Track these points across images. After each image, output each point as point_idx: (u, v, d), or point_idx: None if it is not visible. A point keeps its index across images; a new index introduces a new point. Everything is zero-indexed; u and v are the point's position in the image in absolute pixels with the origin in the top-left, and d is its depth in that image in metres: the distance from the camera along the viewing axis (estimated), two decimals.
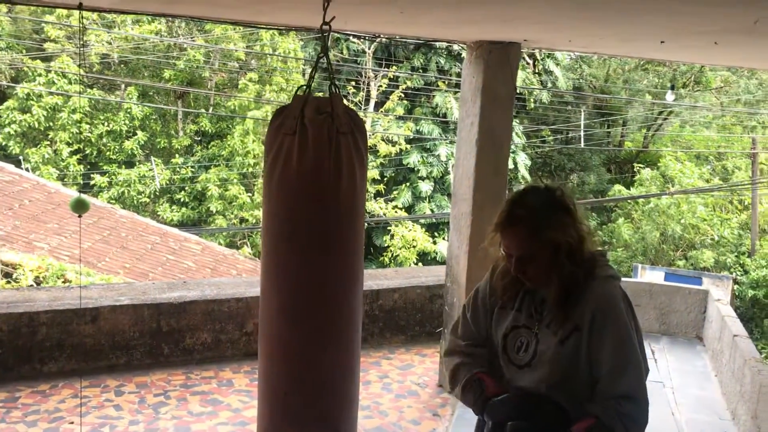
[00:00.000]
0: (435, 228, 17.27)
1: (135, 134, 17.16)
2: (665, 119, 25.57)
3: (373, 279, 6.15)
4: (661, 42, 3.79)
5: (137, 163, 17.36)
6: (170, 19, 16.14)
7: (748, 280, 17.07)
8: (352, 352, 2.26)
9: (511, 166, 16.94)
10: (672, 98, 19.20)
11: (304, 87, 2.23)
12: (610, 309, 1.91)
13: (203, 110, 18.30)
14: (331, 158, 2.05)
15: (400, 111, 16.97)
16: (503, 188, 4.80)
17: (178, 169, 17.34)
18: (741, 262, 17.89)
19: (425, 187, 17.16)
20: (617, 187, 20.44)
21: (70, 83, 16.59)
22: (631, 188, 19.70)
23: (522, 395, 1.95)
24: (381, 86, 17.17)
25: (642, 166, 21.69)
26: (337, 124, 2.09)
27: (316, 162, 2.04)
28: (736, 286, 16.75)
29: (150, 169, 17.07)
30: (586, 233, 1.97)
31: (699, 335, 6.52)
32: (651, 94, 24.88)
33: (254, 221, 16.33)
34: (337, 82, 2.26)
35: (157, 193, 17.26)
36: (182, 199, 17.17)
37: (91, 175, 16.77)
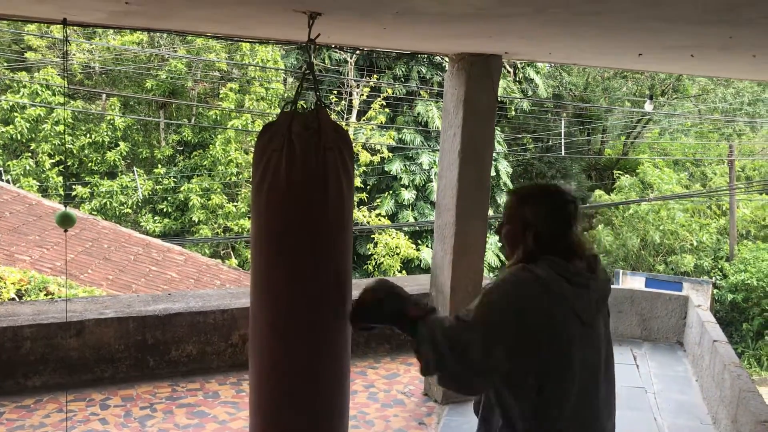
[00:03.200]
0: (418, 236, 17.34)
1: (117, 145, 17.09)
2: (644, 126, 25.88)
3: (357, 288, 6.14)
4: (639, 54, 3.88)
5: (119, 174, 17.27)
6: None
7: (727, 284, 17.30)
8: (342, 365, 2.29)
9: (492, 173, 17.05)
10: (650, 108, 19.45)
11: (290, 103, 2.26)
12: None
13: (185, 120, 18.26)
14: (318, 174, 2.09)
15: (382, 119, 17.05)
16: (486, 198, 4.87)
17: (160, 179, 17.28)
18: (720, 266, 18.14)
19: (408, 195, 17.24)
20: (598, 192, 20.65)
21: (54, 94, 16.51)
22: (611, 195, 19.92)
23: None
24: (363, 95, 17.24)
25: (621, 173, 21.93)
26: (324, 140, 2.13)
27: (304, 177, 2.08)
28: (715, 291, 16.97)
29: (132, 180, 16.99)
30: (562, 237, 2.09)
31: (680, 340, 6.61)
32: (630, 102, 25.18)
33: (239, 230, 16.30)
34: (321, 95, 2.30)
35: (140, 204, 17.18)
36: (165, 210, 17.10)
37: (73, 187, 16.65)
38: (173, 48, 17.95)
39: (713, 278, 17.45)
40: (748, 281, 16.95)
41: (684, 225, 18.34)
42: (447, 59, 4.81)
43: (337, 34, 3.51)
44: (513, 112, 21.09)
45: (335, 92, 17.49)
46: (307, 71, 2.32)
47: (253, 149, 2.24)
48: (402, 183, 17.37)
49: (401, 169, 17.35)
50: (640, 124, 25.76)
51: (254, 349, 2.28)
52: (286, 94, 18.01)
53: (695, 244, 18.31)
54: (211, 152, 16.96)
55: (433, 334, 2.02)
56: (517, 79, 20.72)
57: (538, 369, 1.96)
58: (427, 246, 16.79)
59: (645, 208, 18.44)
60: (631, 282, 15.87)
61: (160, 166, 17.54)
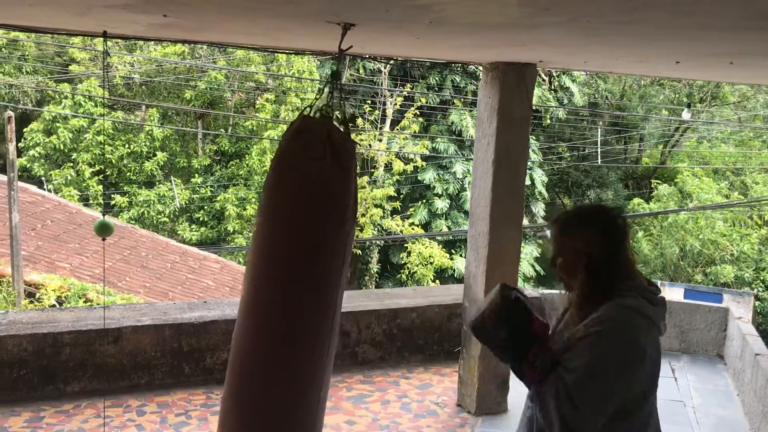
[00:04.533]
0: (452, 245, 17.27)
1: (155, 155, 17.39)
2: (682, 135, 25.45)
3: (391, 298, 6.18)
4: (676, 62, 3.82)
5: (157, 183, 17.56)
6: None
7: None
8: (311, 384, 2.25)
9: (528, 182, 16.97)
10: (688, 116, 19.13)
11: (317, 108, 2.25)
12: (603, 332, 2.00)
13: (222, 131, 18.50)
14: (351, 187, 2.09)
15: (416, 128, 17.06)
16: (520, 208, 4.83)
17: (197, 188, 17.52)
18: (762, 277, 17.68)
19: (441, 204, 17.20)
20: (636, 200, 20.33)
21: (96, 106, 16.89)
22: (649, 204, 19.59)
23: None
24: (397, 104, 17.28)
25: (659, 181, 21.56)
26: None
27: (345, 188, 2.08)
28: (757, 302, 16.55)
29: (169, 189, 17.26)
30: (618, 257, 2.08)
31: (720, 353, 6.47)
32: (667, 110, 24.80)
33: None
34: (352, 102, 2.30)
35: (177, 213, 17.43)
36: (201, 219, 17.33)
37: (112, 196, 16.98)
38: (213, 59, 18.23)
39: (755, 290, 17.02)
40: None
41: (725, 235, 17.94)
42: (481, 68, 4.80)
43: (370, 45, 3.53)
44: (548, 121, 20.94)
45: (369, 101, 17.56)
46: (334, 80, 2.33)
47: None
48: (435, 192, 17.34)
49: (435, 178, 17.32)
50: (678, 132, 25.34)
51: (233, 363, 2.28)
52: (316, 103, 18.12)
53: (736, 254, 17.88)
54: (247, 162, 17.15)
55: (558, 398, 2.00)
56: (553, 87, 20.57)
57: (640, 389, 2.04)
58: (460, 255, 16.72)
59: (684, 217, 18.09)
60: (670, 293, 15.57)
61: (197, 175, 17.79)
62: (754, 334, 5.82)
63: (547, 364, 2.01)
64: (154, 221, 16.98)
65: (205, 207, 17.46)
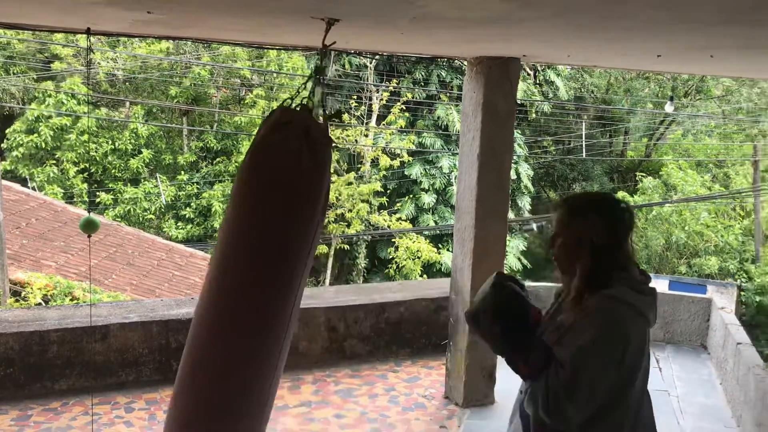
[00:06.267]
0: (439, 239, 17.33)
1: (140, 152, 17.30)
2: (667, 128, 25.64)
3: (379, 292, 6.21)
4: (658, 56, 3.86)
5: (142, 181, 17.49)
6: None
7: (753, 286, 17.07)
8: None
9: (513, 176, 17.04)
10: (671, 109, 19.28)
11: (299, 100, 2.25)
12: (588, 322, 2.01)
13: (208, 127, 18.44)
14: (324, 182, 2.12)
15: (402, 123, 17.09)
16: (506, 201, 4.87)
17: (183, 185, 17.46)
18: (745, 268, 17.89)
19: (428, 199, 17.24)
20: (621, 193, 20.48)
21: (79, 104, 16.77)
22: (634, 197, 19.75)
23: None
24: (383, 100, 17.29)
25: (644, 174, 21.73)
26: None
27: (312, 181, 2.10)
28: (741, 293, 16.75)
29: (155, 186, 17.18)
30: (619, 247, 2.10)
31: (703, 343, 6.55)
32: (652, 103, 24.97)
33: None
34: (338, 97, 2.31)
35: (163, 210, 17.37)
36: (187, 216, 17.27)
37: (97, 193, 16.89)
38: (197, 55, 18.15)
39: (738, 281, 17.22)
40: None
41: (709, 226, 18.13)
42: (465, 63, 4.83)
43: (355, 40, 3.55)
44: (534, 115, 21.02)
45: (355, 97, 17.56)
46: (318, 75, 2.34)
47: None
48: (422, 187, 17.39)
49: (421, 173, 17.36)
50: (663, 126, 25.53)
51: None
52: (298, 97, 18.11)
53: (720, 245, 18.09)
54: (235, 159, 17.10)
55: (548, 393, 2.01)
56: (538, 81, 20.65)
57: (620, 383, 2.05)
58: (447, 249, 16.77)
59: (669, 209, 18.27)
60: (655, 284, 15.69)
61: (183, 172, 17.73)
62: (736, 323, 5.90)
63: (542, 361, 2.01)
64: (140, 218, 16.92)
65: (192, 204, 17.41)
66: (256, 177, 2.11)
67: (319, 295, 6.15)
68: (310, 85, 2.26)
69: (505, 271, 2.17)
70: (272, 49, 15.51)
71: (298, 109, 2.18)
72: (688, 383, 5.71)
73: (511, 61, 4.54)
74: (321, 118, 2.20)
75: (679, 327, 6.62)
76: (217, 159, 17.88)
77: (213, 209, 16.68)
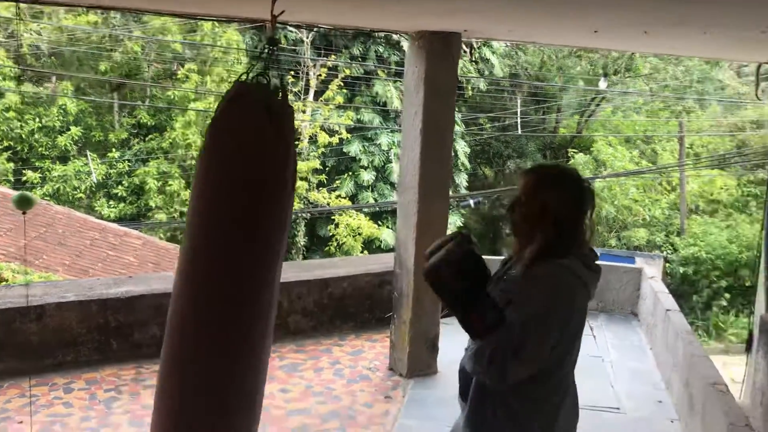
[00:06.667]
0: (379, 216, 17.38)
1: (69, 129, 16.68)
2: (597, 105, 26.30)
3: (323, 268, 6.23)
4: (595, 31, 3.97)
5: (72, 158, 16.89)
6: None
7: (678, 257, 17.83)
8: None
9: None
10: (605, 85, 19.79)
11: (254, 75, 2.22)
12: (541, 282, 2.09)
13: (139, 102, 17.90)
14: (290, 150, 2.11)
15: (340, 100, 16.99)
16: (448, 176, 4.95)
17: (114, 163, 16.95)
18: (671, 241, 18.66)
19: (367, 176, 17.24)
20: None
21: (4, 79, 16.03)
22: None
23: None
24: (320, 75, 17.13)
25: (576, 150, 22.30)
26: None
27: (284, 161, 2.09)
28: (667, 264, 17.47)
29: (85, 164, 16.63)
30: (578, 224, 2.16)
31: (634, 311, 6.83)
32: (584, 81, 25.54)
33: None
34: (274, 73, 2.27)
35: (94, 189, 16.85)
36: (120, 194, 16.81)
37: (23, 172, 16.24)
38: (128, 29, 17.54)
39: (664, 252, 17.96)
40: (698, 255, 17.51)
41: (637, 201, 18.80)
42: (406, 37, 4.84)
43: (299, 11, 3.51)
44: (470, 92, 21.21)
45: (292, 72, 17.33)
46: (271, 48, 2.31)
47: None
48: (361, 164, 17.36)
49: (360, 150, 17.33)
50: (594, 103, 26.17)
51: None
52: (253, 71, 17.77)
53: (648, 219, 18.79)
54: (170, 135, 16.66)
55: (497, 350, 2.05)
56: (474, 59, 20.80)
57: (563, 348, 2.14)
58: (387, 226, 16.86)
59: (599, 185, 18.85)
60: None
61: (114, 149, 17.19)
62: (665, 291, 6.17)
63: (496, 321, 2.05)
64: (70, 197, 16.36)
65: (124, 182, 16.94)
66: (220, 153, 2.08)
67: None
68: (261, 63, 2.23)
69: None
70: (211, 20, 15.11)
71: (254, 82, 2.15)
72: (620, 349, 5.96)
73: (452, 36, 4.59)
74: (279, 89, 2.18)
75: (611, 296, 6.88)
76: (150, 135, 17.40)
77: (147, 187, 16.26)
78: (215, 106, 2.16)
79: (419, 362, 5.02)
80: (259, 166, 2.06)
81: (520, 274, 2.15)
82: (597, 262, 2.23)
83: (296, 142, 2.19)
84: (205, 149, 2.14)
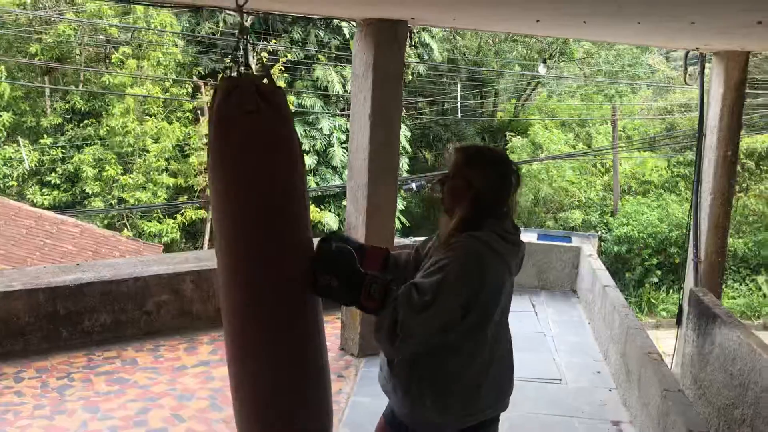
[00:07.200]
0: (321, 200, 17.44)
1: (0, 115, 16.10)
2: (533, 90, 26.86)
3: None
4: (537, 21, 4.15)
5: (1, 145, 16.31)
6: None
7: (612, 237, 18.49)
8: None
9: None
10: (544, 71, 20.25)
11: (237, 66, 2.28)
12: (453, 251, 2.19)
13: (73, 87, 17.37)
14: (291, 131, 2.19)
15: (281, 84, 16.90)
16: (396, 160, 5.07)
17: (47, 149, 16.45)
18: (605, 221, 19.31)
19: (309, 160, 17.24)
20: None
21: None
22: None
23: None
24: (261, 60, 16.98)
25: (513, 134, 22.77)
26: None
27: (285, 140, 2.17)
28: (601, 243, 18.10)
29: (17, 151, 16.10)
30: (499, 202, 2.29)
31: (573, 288, 7.15)
32: (520, 65, 26.03)
33: (134, 202, 15.84)
34: (212, 57, 2.34)
35: (26, 176, 16.34)
36: (53, 182, 16.34)
37: None
38: (59, 11, 16.97)
39: (599, 232, 18.59)
40: (630, 234, 18.20)
41: (573, 182, 19.37)
42: (354, 24, 4.93)
43: (256, 1, 3.56)
44: (410, 77, 21.37)
45: (230, 56, 17.12)
46: (243, 36, 2.37)
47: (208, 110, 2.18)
48: (303, 149, 17.30)
49: (301, 135, 17.30)
50: (530, 87, 26.72)
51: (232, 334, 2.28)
52: (181, 58, 17.47)
53: (583, 200, 19.40)
54: (108, 122, 16.24)
55: (396, 309, 2.11)
56: (413, 43, 20.94)
57: (478, 319, 2.21)
58: (329, 211, 16.94)
59: (537, 167, 19.33)
60: (524, 237, 16.61)
61: (46, 135, 16.67)
62: (602, 268, 6.48)
63: (382, 290, 2.14)
64: (1, 185, 15.84)
65: (58, 169, 16.47)
66: (228, 146, 2.12)
67: (214, 258, 6.13)
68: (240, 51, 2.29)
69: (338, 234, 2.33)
70: (179, 7, 14.78)
71: (240, 73, 2.22)
72: (560, 324, 6.24)
73: (399, 24, 4.69)
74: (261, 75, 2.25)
75: (551, 275, 7.17)
76: (85, 121, 16.94)
77: (83, 174, 15.85)
78: (212, 103, 2.20)
79: (370, 341, 5.15)
80: (266, 151, 2.13)
81: (439, 247, 2.27)
82: (518, 237, 2.34)
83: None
84: (212, 151, 2.18)
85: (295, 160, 2.22)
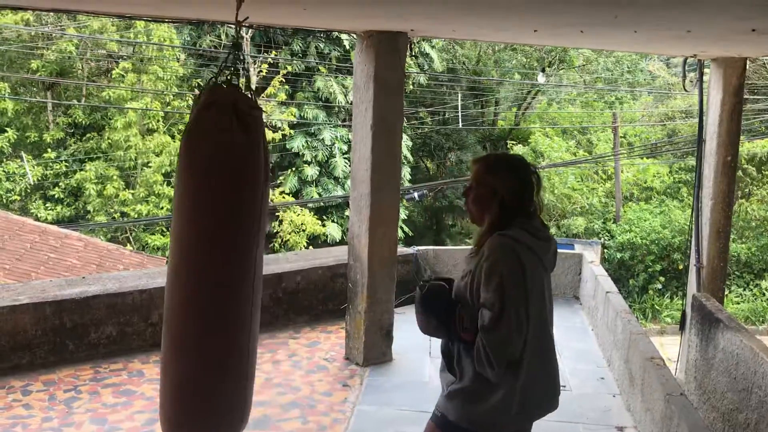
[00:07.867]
0: (323, 211, 17.48)
1: (4, 131, 16.19)
2: (534, 97, 26.94)
3: (275, 263, 6.32)
4: (534, 31, 4.21)
5: (5, 160, 16.40)
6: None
7: (615, 244, 18.49)
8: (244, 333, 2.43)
9: None
10: (543, 80, 20.34)
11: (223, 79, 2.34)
12: (489, 254, 2.33)
13: (75, 101, 17.48)
14: (261, 152, 2.24)
15: (282, 96, 16.99)
16: (398, 170, 5.13)
17: (50, 164, 16.54)
18: (608, 228, 19.32)
19: (311, 171, 17.31)
20: None
21: None
22: None
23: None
24: (261, 72, 17.09)
25: (514, 142, 22.83)
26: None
27: (255, 159, 2.22)
28: (604, 250, 18.10)
29: (20, 166, 16.18)
30: (523, 204, 2.41)
31: (576, 295, 7.17)
32: (520, 74, 26.12)
33: (136, 215, 15.90)
34: (213, 69, 2.40)
35: (29, 191, 16.41)
36: (57, 196, 16.42)
37: None
38: (61, 27, 17.10)
39: (602, 239, 18.60)
40: (633, 240, 18.20)
41: (576, 189, 19.40)
42: (355, 36, 4.99)
43: (256, 15, 3.62)
44: (411, 87, 21.46)
45: (232, 68, 17.21)
46: (236, 50, 2.42)
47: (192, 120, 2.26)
48: (305, 159, 17.41)
49: (303, 146, 17.37)
50: (530, 96, 26.80)
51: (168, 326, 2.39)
52: (182, 72, 17.59)
53: (586, 207, 19.42)
54: (109, 135, 16.33)
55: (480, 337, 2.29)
56: (413, 53, 21.02)
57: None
58: (332, 221, 16.98)
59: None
60: None
61: (49, 150, 16.76)
62: (605, 275, 6.50)
63: (475, 318, 2.32)
64: (3, 200, 15.92)
65: (60, 184, 16.55)
66: (193, 161, 2.21)
67: None
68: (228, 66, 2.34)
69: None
70: (177, 22, 14.87)
71: (224, 86, 2.27)
72: (564, 331, 6.25)
73: (399, 35, 4.76)
74: (246, 90, 2.30)
75: (554, 281, 7.16)
76: (87, 135, 17.03)
77: (86, 190, 15.92)
78: (191, 111, 2.27)
79: (375, 351, 5.19)
80: (230, 172, 2.19)
81: (475, 255, 2.41)
82: (548, 233, 2.48)
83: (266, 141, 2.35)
84: (182, 156, 2.25)
85: (255, 182, 2.28)
